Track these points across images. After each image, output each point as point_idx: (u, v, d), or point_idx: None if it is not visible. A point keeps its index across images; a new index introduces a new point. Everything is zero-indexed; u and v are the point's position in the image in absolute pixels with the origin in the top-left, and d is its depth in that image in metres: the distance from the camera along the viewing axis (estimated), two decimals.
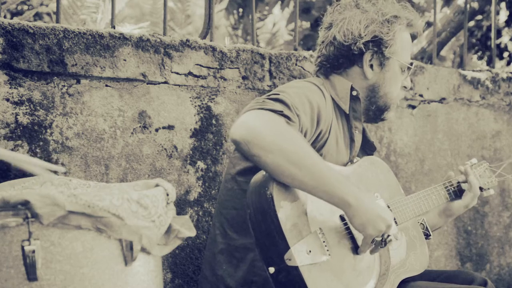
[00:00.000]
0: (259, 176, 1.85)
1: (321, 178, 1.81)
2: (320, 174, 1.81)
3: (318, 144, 2.05)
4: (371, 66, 2.19)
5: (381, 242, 1.91)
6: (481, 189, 2.50)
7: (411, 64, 2.24)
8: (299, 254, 1.78)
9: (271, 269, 1.79)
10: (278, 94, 1.92)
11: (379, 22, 2.15)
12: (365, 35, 2.14)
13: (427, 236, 2.36)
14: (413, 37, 2.29)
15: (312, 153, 1.83)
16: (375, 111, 2.25)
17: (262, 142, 1.76)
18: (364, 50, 2.16)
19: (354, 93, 2.18)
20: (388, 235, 1.92)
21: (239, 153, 2.08)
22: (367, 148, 2.35)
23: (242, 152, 1.80)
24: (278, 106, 1.86)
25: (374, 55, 2.18)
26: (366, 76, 2.19)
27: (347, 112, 2.19)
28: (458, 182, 2.40)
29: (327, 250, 1.85)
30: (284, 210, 1.80)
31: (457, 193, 2.40)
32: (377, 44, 2.16)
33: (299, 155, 1.79)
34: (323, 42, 2.23)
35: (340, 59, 2.19)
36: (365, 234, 1.88)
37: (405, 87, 2.28)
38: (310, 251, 1.81)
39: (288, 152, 1.77)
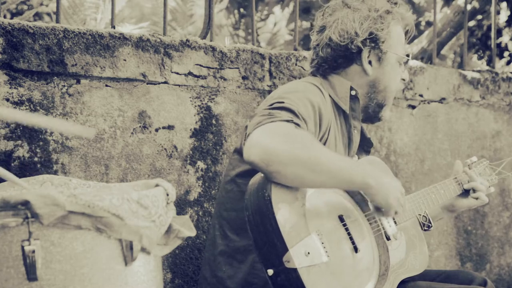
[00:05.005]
0: (257, 178, 1.84)
1: (339, 173, 1.85)
2: (338, 169, 1.85)
3: None
4: (370, 62, 2.21)
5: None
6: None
7: (408, 56, 2.27)
8: (297, 256, 1.78)
9: (270, 271, 1.78)
10: (282, 102, 1.91)
11: (373, 19, 2.17)
12: (361, 33, 2.16)
13: (428, 227, 2.39)
14: (411, 33, 2.33)
15: (325, 150, 1.86)
16: (374, 108, 2.26)
17: (279, 158, 1.77)
18: (362, 48, 2.18)
19: (353, 92, 2.19)
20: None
21: (238, 156, 2.09)
22: (364, 144, 2.35)
23: (260, 171, 1.82)
24: (285, 115, 1.86)
25: (371, 51, 2.20)
26: (366, 72, 2.21)
27: (348, 112, 2.20)
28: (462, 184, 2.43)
29: (326, 252, 1.85)
30: (282, 212, 1.80)
31: (464, 191, 2.44)
32: (374, 40, 2.18)
33: (314, 159, 1.80)
34: (318, 45, 2.24)
35: (339, 60, 2.20)
36: (386, 205, 1.97)
37: (403, 79, 2.31)
38: (308, 253, 1.80)
39: (304, 161, 1.78)
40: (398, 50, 2.23)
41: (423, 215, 2.38)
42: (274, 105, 1.91)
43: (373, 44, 2.18)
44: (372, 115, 2.29)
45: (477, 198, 2.41)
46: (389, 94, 2.25)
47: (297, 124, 1.85)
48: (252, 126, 1.84)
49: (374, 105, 2.25)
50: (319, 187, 1.88)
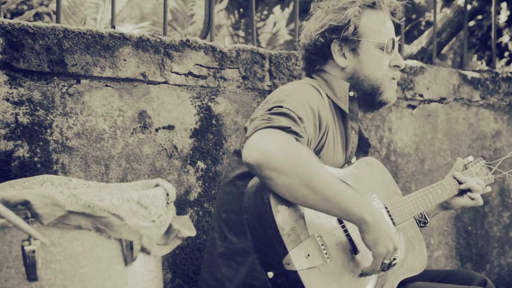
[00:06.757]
0: (255, 180, 1.84)
1: (334, 197, 1.80)
2: (333, 193, 1.80)
3: (317, 147, 2.05)
4: (344, 55, 2.20)
5: (388, 265, 1.91)
6: None
7: (393, 41, 2.20)
8: (297, 259, 1.77)
9: (270, 274, 1.78)
10: (281, 107, 1.90)
11: (331, 12, 2.19)
12: (319, 27, 2.19)
13: (425, 223, 2.40)
14: (398, 16, 2.27)
15: (325, 172, 1.83)
16: (365, 98, 2.23)
17: (275, 165, 1.75)
18: (325, 41, 2.18)
19: (351, 93, 2.19)
20: (395, 259, 1.92)
21: (237, 158, 2.08)
22: (362, 144, 2.34)
23: (255, 174, 1.80)
24: (285, 122, 1.84)
25: (341, 44, 2.19)
26: (339, 65, 2.20)
27: (347, 112, 2.19)
28: (461, 183, 2.43)
29: (326, 254, 1.85)
30: (282, 215, 1.79)
31: (461, 190, 2.43)
32: (336, 32, 2.18)
33: (309, 174, 1.78)
34: (296, 49, 2.32)
35: (313, 58, 2.23)
36: (374, 251, 1.87)
37: (397, 65, 2.23)
38: (308, 255, 1.80)
39: (301, 174, 1.76)
40: (375, 37, 2.18)
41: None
42: (273, 110, 1.90)
43: (335, 36, 2.17)
44: (369, 104, 2.26)
45: (473, 199, 2.41)
46: (375, 82, 2.20)
47: (296, 133, 1.84)
48: (251, 130, 1.84)
49: (362, 95, 2.22)
50: (310, 206, 1.83)
